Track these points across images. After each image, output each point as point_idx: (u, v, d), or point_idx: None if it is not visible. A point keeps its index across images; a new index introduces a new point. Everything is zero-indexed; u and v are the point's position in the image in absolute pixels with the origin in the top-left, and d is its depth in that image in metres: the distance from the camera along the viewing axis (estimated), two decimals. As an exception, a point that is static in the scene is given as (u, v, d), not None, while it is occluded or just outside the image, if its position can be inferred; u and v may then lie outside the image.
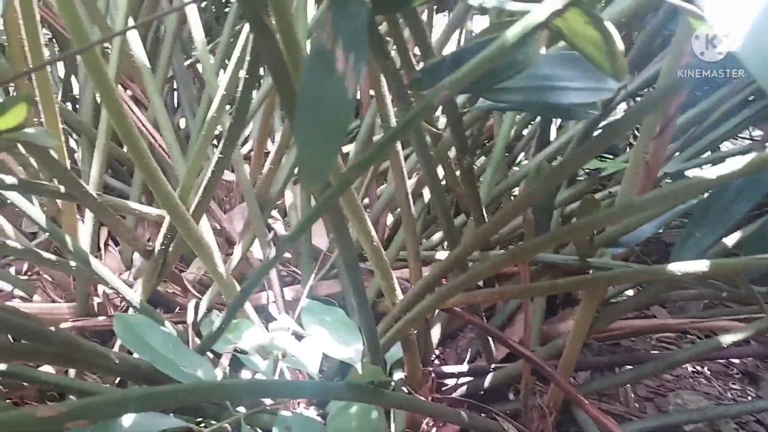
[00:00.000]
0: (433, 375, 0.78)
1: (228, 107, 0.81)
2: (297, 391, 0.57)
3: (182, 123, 1.21)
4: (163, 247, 0.75)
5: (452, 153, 0.72)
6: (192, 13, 0.76)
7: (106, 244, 0.96)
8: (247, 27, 0.67)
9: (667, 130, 0.68)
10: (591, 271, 0.68)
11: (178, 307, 0.90)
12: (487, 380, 0.81)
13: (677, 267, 0.50)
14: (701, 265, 0.49)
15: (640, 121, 0.63)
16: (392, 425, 0.71)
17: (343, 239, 0.55)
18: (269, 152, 0.86)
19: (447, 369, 0.83)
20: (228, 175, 1.02)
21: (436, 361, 0.89)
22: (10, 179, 0.57)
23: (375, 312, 0.88)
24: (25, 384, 0.70)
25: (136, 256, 0.95)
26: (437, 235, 0.92)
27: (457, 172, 0.70)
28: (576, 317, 0.71)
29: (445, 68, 0.48)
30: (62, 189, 0.59)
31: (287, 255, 0.98)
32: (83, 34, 0.51)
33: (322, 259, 0.81)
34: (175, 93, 1.31)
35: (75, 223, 0.75)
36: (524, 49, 0.41)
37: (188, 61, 1.16)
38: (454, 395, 0.82)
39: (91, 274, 0.71)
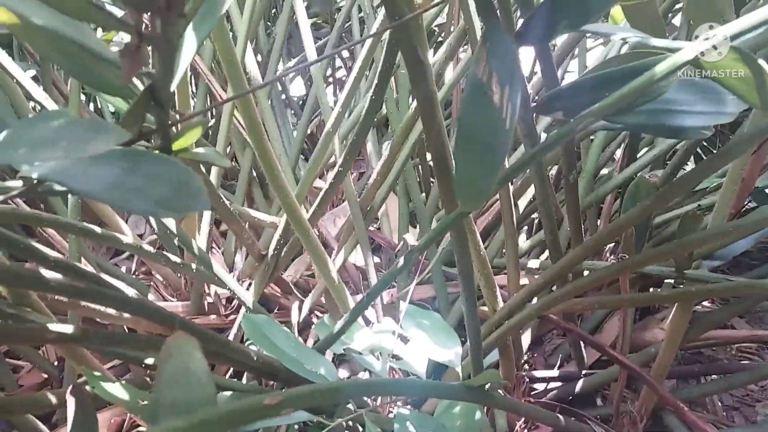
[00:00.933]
0: (527, 379, 0.82)
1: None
2: (423, 389, 0.61)
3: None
4: (275, 252, 0.80)
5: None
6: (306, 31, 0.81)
7: (209, 248, 1.02)
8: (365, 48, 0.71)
9: (764, 147, 0.70)
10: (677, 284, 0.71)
11: (277, 307, 0.96)
12: (578, 386, 0.84)
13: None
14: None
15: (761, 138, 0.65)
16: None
17: (463, 248, 0.59)
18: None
19: (538, 374, 0.86)
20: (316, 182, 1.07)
21: (525, 366, 0.92)
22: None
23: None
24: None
25: (238, 258, 1.01)
26: (526, 244, 0.95)
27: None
28: (670, 326, 0.74)
29: (566, 96, 0.52)
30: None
31: (377, 260, 1.03)
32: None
33: (420, 265, 0.86)
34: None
35: (195, 227, 0.81)
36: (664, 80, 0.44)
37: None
38: (544, 399, 0.85)
39: (211, 275, 0.76)
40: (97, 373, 0.52)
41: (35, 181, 0.39)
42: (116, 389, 0.54)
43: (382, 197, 0.83)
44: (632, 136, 0.92)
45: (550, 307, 0.69)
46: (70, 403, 0.44)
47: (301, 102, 1.53)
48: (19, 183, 0.40)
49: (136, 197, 0.33)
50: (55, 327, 0.40)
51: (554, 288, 0.83)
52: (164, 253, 0.75)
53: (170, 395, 0.30)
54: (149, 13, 0.29)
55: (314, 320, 0.90)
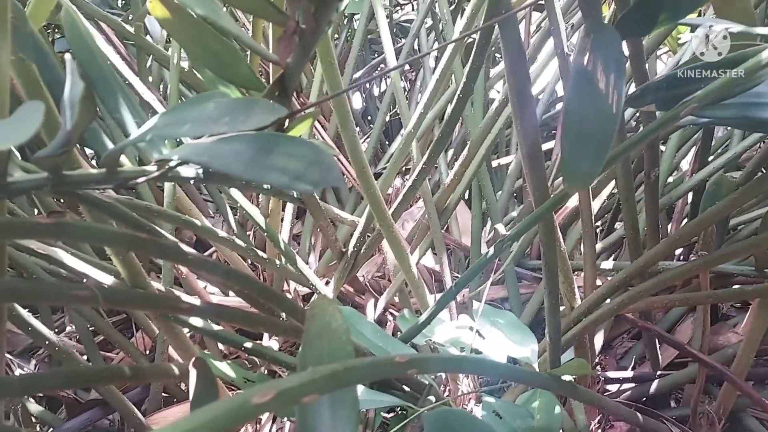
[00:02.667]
0: (601, 379, 0.82)
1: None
2: (508, 373, 0.62)
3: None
4: (355, 250, 0.83)
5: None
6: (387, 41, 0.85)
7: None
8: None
9: None
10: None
11: (350, 305, 0.98)
12: (653, 387, 0.84)
13: None
14: None
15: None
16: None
17: (550, 243, 0.60)
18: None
19: (611, 374, 0.86)
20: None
21: (597, 367, 0.92)
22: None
23: (538, 318, 0.93)
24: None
25: (312, 258, 1.04)
26: (598, 245, 0.96)
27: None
28: (749, 325, 0.74)
29: (660, 88, 0.54)
30: (295, 194, 0.68)
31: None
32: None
33: (495, 267, 0.87)
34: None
35: (278, 224, 0.85)
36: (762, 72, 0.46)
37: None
38: (617, 400, 0.85)
39: (296, 272, 0.80)
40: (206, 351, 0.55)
41: (169, 166, 0.42)
42: (225, 368, 0.57)
43: (456, 199, 0.86)
44: (705, 139, 0.92)
45: (630, 304, 0.70)
46: (193, 374, 0.48)
47: (360, 114, 1.58)
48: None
49: (273, 173, 0.36)
50: (187, 299, 0.44)
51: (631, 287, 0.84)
52: (253, 248, 0.79)
53: (316, 348, 0.33)
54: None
55: (388, 318, 0.93)
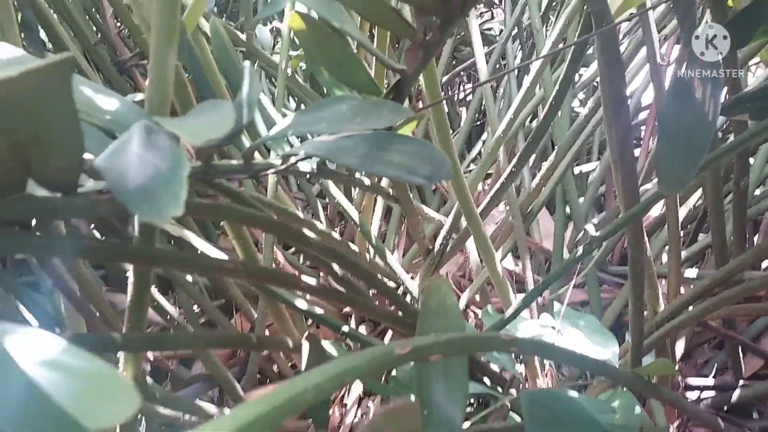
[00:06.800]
0: (683, 384, 0.83)
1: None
2: (585, 364, 0.65)
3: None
4: (441, 247, 0.87)
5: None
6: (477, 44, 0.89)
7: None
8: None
9: None
10: None
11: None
12: (734, 396, 0.84)
13: None
14: None
15: None
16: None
17: (639, 246, 0.63)
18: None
19: (692, 381, 0.87)
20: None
21: (679, 376, 0.93)
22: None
23: (618, 323, 0.95)
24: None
25: (395, 255, 1.09)
26: (682, 254, 0.97)
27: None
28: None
29: (754, 99, 0.55)
30: (391, 192, 0.73)
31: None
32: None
33: (577, 270, 0.90)
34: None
35: (370, 220, 0.90)
36: None
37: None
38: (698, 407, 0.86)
39: (385, 266, 0.84)
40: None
41: (295, 160, 0.48)
42: (329, 346, 0.62)
43: (540, 203, 0.88)
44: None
45: (713, 311, 0.71)
46: (305, 346, 0.53)
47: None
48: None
49: (387, 166, 0.41)
50: (307, 279, 0.49)
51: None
52: (346, 241, 0.84)
53: (432, 321, 0.38)
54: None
55: (470, 314, 0.96)
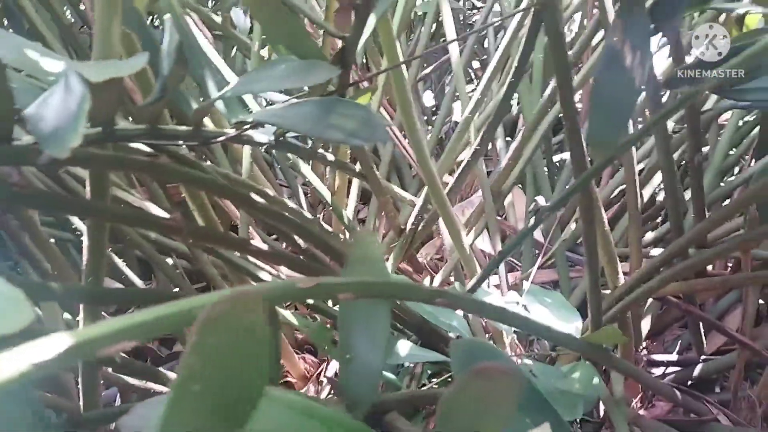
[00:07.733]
0: (645, 359, 0.85)
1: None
2: (537, 330, 0.66)
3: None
4: (413, 227, 0.89)
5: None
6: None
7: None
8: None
9: None
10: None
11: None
12: (696, 371, 0.86)
13: None
14: None
15: None
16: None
17: (589, 218, 0.65)
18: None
19: (656, 357, 0.89)
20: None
21: (644, 352, 0.95)
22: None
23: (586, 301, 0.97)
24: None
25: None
26: (650, 235, 0.99)
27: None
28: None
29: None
30: (357, 169, 0.75)
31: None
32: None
33: (543, 249, 0.92)
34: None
35: (344, 202, 0.92)
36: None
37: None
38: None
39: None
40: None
41: (245, 127, 0.50)
42: (289, 316, 0.65)
43: (511, 183, 0.90)
44: (762, 133, 0.93)
45: (671, 281, 0.72)
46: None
47: (431, 112, 1.65)
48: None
49: (332, 130, 0.43)
50: (258, 243, 0.51)
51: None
52: (320, 221, 0.86)
53: (356, 271, 0.40)
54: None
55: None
